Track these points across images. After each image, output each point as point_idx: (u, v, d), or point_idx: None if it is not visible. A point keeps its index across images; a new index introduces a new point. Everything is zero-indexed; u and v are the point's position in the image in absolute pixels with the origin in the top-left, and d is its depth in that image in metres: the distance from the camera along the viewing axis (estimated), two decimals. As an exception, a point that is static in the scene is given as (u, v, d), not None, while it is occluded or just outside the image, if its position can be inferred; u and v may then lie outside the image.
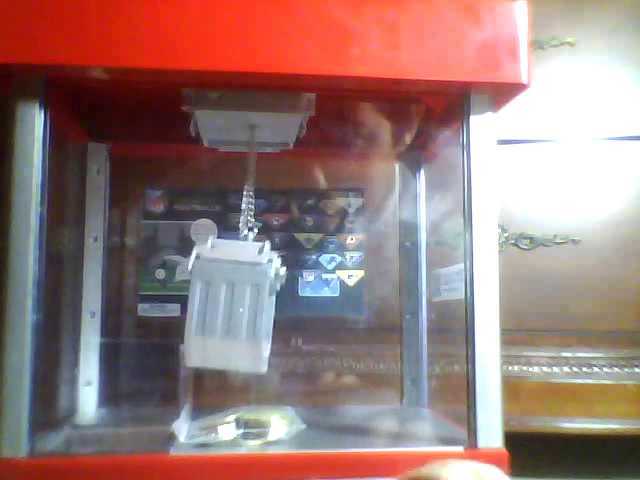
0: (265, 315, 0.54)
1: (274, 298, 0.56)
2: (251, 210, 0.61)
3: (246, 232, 0.60)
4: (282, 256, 0.57)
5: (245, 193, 0.62)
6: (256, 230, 0.61)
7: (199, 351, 0.53)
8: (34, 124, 0.51)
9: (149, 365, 0.84)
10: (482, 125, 0.57)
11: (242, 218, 0.61)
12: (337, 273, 0.91)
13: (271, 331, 0.56)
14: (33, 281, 0.51)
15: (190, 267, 0.55)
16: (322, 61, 0.52)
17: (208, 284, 0.55)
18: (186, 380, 0.61)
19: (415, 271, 0.79)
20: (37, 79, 0.52)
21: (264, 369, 0.54)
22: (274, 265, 0.56)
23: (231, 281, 0.55)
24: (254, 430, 0.56)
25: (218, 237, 0.57)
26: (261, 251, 0.56)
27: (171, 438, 0.56)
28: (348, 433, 0.63)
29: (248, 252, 0.56)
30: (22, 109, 0.51)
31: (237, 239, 0.60)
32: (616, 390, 0.87)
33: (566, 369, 0.89)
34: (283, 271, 0.57)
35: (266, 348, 0.55)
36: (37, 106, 0.52)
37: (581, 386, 0.88)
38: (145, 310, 0.87)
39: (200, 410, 0.63)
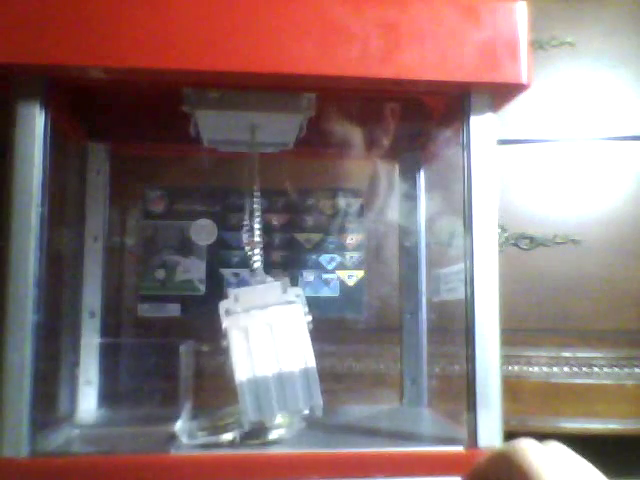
0: (310, 349, 0.55)
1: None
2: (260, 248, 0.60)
3: (259, 276, 0.59)
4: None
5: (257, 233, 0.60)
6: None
7: (254, 403, 0.53)
8: (34, 124, 0.51)
9: (149, 365, 0.84)
10: (482, 125, 0.57)
11: (255, 258, 0.60)
12: (337, 273, 0.91)
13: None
14: (33, 281, 0.50)
15: (224, 325, 0.55)
16: (322, 61, 0.52)
17: (246, 335, 0.55)
18: (186, 380, 0.61)
19: (415, 271, 0.79)
20: (37, 79, 0.52)
21: (321, 403, 0.54)
22: (303, 299, 0.56)
23: (269, 326, 0.55)
24: (254, 430, 0.56)
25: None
26: (285, 289, 0.57)
27: (171, 438, 0.56)
28: (348, 433, 0.63)
29: (273, 293, 0.57)
30: (22, 109, 0.51)
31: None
32: (616, 390, 0.87)
33: (566, 369, 0.89)
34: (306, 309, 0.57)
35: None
36: (37, 106, 0.52)
37: (581, 386, 0.88)
38: (145, 310, 0.87)
39: (200, 410, 0.63)
